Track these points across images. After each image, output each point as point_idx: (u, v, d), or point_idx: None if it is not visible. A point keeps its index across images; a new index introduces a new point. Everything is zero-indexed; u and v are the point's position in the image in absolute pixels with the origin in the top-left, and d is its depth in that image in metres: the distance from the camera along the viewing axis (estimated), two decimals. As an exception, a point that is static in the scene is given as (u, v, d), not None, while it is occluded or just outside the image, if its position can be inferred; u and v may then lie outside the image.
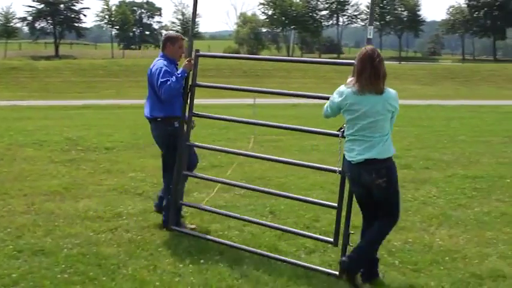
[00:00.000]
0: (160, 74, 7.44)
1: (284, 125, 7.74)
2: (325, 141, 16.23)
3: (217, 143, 15.16)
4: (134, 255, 6.63)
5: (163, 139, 7.78)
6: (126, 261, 6.44)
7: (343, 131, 6.24)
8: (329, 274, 6.23)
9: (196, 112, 7.70)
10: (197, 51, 7.66)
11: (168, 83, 7.35)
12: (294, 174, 11.46)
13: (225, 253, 6.76)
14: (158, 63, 7.64)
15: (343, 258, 5.97)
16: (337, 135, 6.46)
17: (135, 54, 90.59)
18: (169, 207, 7.65)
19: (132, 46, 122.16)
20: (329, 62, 8.04)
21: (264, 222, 7.68)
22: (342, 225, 6.35)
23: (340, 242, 6.36)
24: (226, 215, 7.82)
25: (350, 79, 6.04)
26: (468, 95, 41.76)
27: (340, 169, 6.33)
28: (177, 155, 7.59)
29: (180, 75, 7.43)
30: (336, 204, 6.50)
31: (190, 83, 7.59)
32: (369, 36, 6.27)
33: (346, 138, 6.11)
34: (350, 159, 5.99)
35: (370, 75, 5.77)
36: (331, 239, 6.53)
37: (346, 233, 6.30)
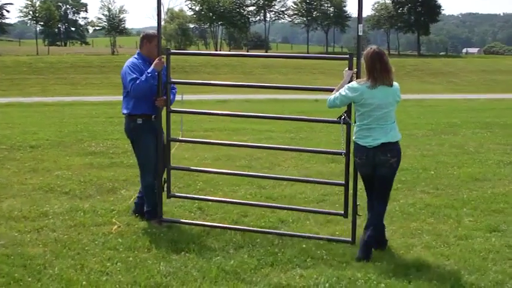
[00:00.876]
0: (128, 72, 7.60)
1: (288, 116, 7.87)
2: (254, 137, 16.33)
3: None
4: (61, 255, 6.52)
5: (127, 134, 7.94)
6: (52, 261, 6.32)
7: (344, 118, 7.10)
8: (261, 268, 6.27)
9: (174, 109, 7.83)
10: (168, 49, 7.68)
11: (137, 81, 7.47)
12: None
13: (153, 250, 6.73)
14: (129, 61, 7.80)
15: (366, 239, 6.73)
16: (339, 123, 7.21)
17: (61, 50, 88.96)
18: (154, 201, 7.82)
19: (57, 42, 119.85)
20: (318, 57, 8.22)
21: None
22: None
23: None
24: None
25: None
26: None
27: (345, 151, 7.18)
28: (158, 149, 7.77)
29: (149, 74, 7.45)
30: (344, 182, 7.47)
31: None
32: (359, 34, 7.12)
33: (359, 128, 6.87)
34: (365, 145, 6.80)
35: (382, 70, 6.66)
36: (342, 212, 7.49)
37: (354, 205, 7.21)
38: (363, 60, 6.82)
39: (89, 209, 8.42)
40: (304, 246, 6.90)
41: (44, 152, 13.40)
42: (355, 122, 7.01)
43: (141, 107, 7.68)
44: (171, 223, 7.74)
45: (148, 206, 7.86)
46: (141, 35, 8.07)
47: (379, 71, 6.65)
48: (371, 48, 6.77)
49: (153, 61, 7.58)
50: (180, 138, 7.98)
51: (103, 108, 26.44)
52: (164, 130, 7.83)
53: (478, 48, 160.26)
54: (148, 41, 7.84)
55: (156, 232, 7.38)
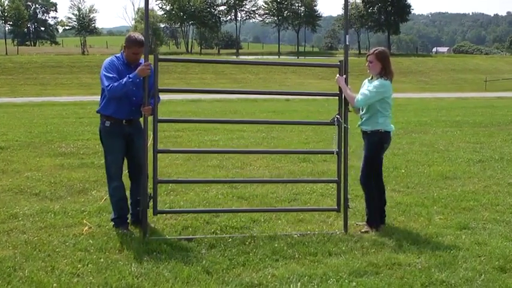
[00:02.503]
0: (104, 72, 7.37)
1: (271, 120, 7.81)
2: (225, 136, 16.33)
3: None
4: (31, 257, 6.45)
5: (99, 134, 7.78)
6: (22, 264, 6.25)
7: (337, 119, 7.64)
8: (233, 268, 6.26)
9: (161, 118, 7.76)
10: (156, 55, 7.29)
11: (116, 84, 7.21)
12: (193, 170, 11.50)
13: (124, 251, 6.69)
14: (107, 59, 7.53)
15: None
16: (332, 124, 7.71)
17: (30, 50, 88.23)
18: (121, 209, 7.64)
19: (27, 42, 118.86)
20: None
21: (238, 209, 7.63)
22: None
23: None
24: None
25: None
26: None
27: (337, 150, 7.75)
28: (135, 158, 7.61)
29: (131, 79, 7.19)
30: (337, 179, 7.89)
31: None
32: (347, 43, 7.84)
33: (386, 117, 7.84)
34: (392, 130, 7.95)
35: (392, 67, 7.82)
36: (336, 207, 7.92)
37: (346, 199, 7.74)
38: (376, 60, 7.73)
39: (59, 210, 8.35)
40: (276, 245, 6.90)
41: (14, 153, 13.27)
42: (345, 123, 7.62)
43: (110, 108, 7.45)
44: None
45: (114, 213, 7.66)
46: (126, 36, 7.75)
47: (392, 70, 7.83)
48: (383, 49, 8.03)
49: (133, 65, 7.38)
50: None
51: (73, 108, 26.29)
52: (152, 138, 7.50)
53: (447, 48, 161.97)
54: (127, 46, 7.47)
55: (127, 233, 7.33)
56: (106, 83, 7.29)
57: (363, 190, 7.96)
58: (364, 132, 7.84)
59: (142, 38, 7.39)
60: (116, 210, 7.64)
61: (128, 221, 7.72)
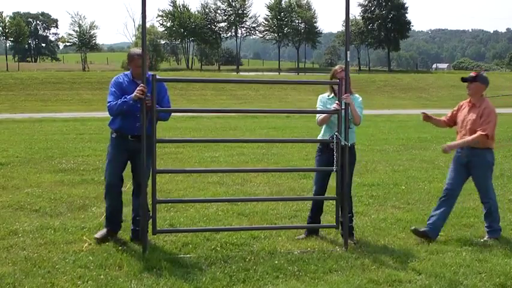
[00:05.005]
0: (110, 89, 7.67)
1: (271, 138, 7.81)
2: (226, 153, 16.32)
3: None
4: (31, 274, 6.43)
5: None
6: (22, 280, 6.24)
7: (336, 136, 7.67)
8: (233, 284, 6.25)
9: (160, 138, 7.74)
10: (154, 75, 7.25)
11: (111, 104, 7.51)
12: (193, 187, 11.49)
13: (124, 268, 6.67)
14: (116, 77, 7.82)
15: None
16: (331, 142, 7.79)
17: (31, 66, 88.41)
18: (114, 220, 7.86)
19: (27, 58, 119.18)
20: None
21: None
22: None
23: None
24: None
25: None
26: (363, 104, 42.35)
27: (336, 167, 7.69)
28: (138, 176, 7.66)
29: (125, 100, 7.38)
30: (335, 196, 7.90)
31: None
32: (347, 60, 7.72)
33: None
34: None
35: None
36: (334, 224, 8.03)
37: (345, 216, 7.74)
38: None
39: (59, 226, 8.35)
40: (276, 262, 6.89)
41: (14, 169, 13.27)
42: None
43: (116, 123, 7.67)
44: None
45: (107, 225, 7.87)
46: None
47: None
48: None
49: (140, 81, 7.39)
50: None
51: (74, 124, 26.29)
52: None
53: (447, 64, 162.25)
54: (129, 62, 7.72)
55: (127, 249, 7.33)
56: (108, 100, 7.58)
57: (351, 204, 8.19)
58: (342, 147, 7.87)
59: (139, 51, 7.67)
60: (107, 213, 7.91)
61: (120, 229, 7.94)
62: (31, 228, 8.23)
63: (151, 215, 7.34)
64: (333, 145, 7.84)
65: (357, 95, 8.10)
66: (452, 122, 8.58)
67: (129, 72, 7.80)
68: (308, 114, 32.79)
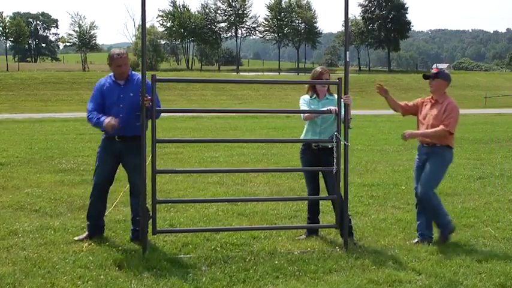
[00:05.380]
0: (92, 95, 7.84)
1: (271, 138, 7.76)
2: (226, 153, 16.32)
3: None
4: (31, 274, 6.43)
5: None
6: (22, 280, 6.23)
7: (336, 136, 7.61)
8: (233, 285, 6.25)
9: (160, 138, 7.65)
10: (154, 76, 7.17)
11: (89, 116, 7.69)
12: (193, 187, 11.48)
13: (124, 268, 6.66)
14: (99, 80, 7.91)
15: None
16: (331, 142, 7.70)
17: (31, 66, 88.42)
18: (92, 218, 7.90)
19: (28, 59, 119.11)
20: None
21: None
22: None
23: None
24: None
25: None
26: (364, 105, 42.70)
27: (336, 167, 7.64)
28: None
29: (97, 121, 7.53)
30: (336, 196, 7.78)
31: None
32: (347, 60, 7.67)
33: None
34: None
35: None
36: (334, 224, 7.95)
37: (346, 216, 7.70)
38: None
39: (59, 226, 8.35)
40: (276, 262, 6.89)
41: (14, 169, 13.27)
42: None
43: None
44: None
45: (87, 228, 7.94)
46: None
47: None
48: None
49: (123, 81, 7.60)
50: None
51: (74, 124, 26.29)
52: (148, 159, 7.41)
53: (447, 64, 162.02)
54: (109, 64, 7.73)
55: (127, 249, 7.33)
56: (88, 105, 7.81)
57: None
58: (324, 149, 8.03)
59: (120, 51, 7.77)
60: (87, 212, 8.00)
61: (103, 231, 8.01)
62: (31, 229, 8.22)
63: (151, 215, 7.33)
64: (315, 146, 8.02)
65: (337, 96, 7.99)
66: (409, 111, 8.39)
67: (112, 73, 7.82)
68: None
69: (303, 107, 8.15)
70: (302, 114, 8.15)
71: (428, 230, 8.03)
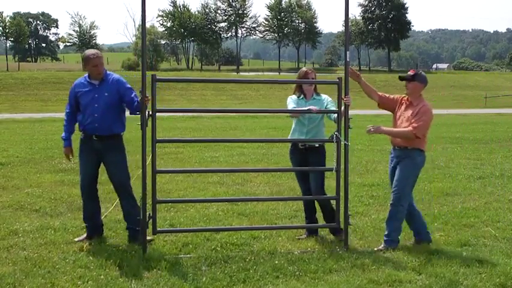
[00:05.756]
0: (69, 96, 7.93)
1: (271, 138, 7.77)
2: (226, 153, 16.32)
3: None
4: (31, 274, 6.43)
5: None
6: (22, 280, 6.24)
7: (336, 136, 7.58)
8: (234, 285, 6.25)
9: (160, 138, 7.61)
10: (154, 76, 7.14)
11: (65, 118, 8.03)
12: (193, 187, 11.48)
13: (124, 268, 6.66)
14: (76, 81, 7.98)
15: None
16: (331, 142, 7.67)
17: (31, 66, 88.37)
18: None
19: (28, 58, 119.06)
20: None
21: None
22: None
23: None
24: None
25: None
26: (364, 104, 42.44)
27: (336, 167, 7.63)
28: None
29: (63, 138, 8.06)
30: (335, 196, 7.79)
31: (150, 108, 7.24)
32: (347, 60, 7.67)
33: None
34: None
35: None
36: (334, 224, 7.87)
37: (346, 216, 7.66)
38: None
39: (59, 226, 8.35)
40: (276, 262, 6.89)
41: (14, 169, 13.27)
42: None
43: (80, 123, 7.83)
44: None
45: (84, 220, 8.01)
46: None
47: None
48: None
49: (98, 81, 7.65)
50: None
51: (74, 124, 26.25)
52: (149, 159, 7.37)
53: (447, 64, 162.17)
54: (84, 65, 7.75)
55: (127, 250, 7.32)
56: (66, 107, 8.00)
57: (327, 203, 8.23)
58: (311, 148, 8.07)
59: (94, 51, 7.80)
60: (83, 214, 8.01)
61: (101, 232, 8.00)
62: (31, 228, 8.23)
63: (151, 215, 7.31)
64: (302, 145, 8.08)
65: (325, 96, 8.18)
66: (386, 104, 8.21)
67: (87, 74, 7.83)
68: (308, 114, 32.83)
69: (290, 105, 8.16)
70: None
71: (424, 230, 7.99)
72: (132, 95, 7.61)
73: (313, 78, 8.14)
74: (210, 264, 6.88)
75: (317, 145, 8.00)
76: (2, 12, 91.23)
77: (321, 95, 8.17)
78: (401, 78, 8.03)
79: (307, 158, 8.10)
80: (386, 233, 7.76)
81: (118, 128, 7.73)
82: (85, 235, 7.86)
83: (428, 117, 7.74)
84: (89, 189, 7.88)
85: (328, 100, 8.11)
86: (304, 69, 8.35)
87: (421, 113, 7.70)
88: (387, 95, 8.20)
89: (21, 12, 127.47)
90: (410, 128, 7.61)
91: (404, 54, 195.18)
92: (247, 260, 7.00)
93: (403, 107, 7.95)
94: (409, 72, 8.03)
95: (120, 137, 7.79)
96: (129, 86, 7.76)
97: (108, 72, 7.82)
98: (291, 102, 8.20)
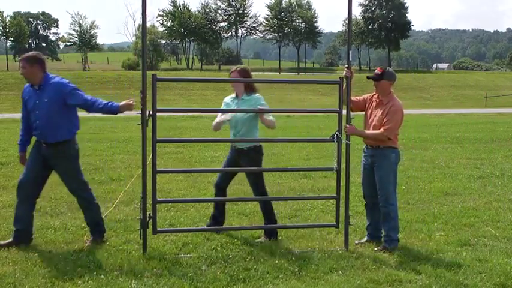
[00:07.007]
0: None
1: (271, 138, 7.81)
2: (226, 153, 16.28)
3: (117, 156, 15.11)
4: (31, 273, 6.43)
5: None
6: (22, 280, 6.24)
7: (336, 136, 7.51)
8: (234, 284, 6.25)
9: (160, 138, 7.61)
10: (154, 76, 7.08)
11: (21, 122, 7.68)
12: (194, 187, 11.47)
13: (124, 268, 6.66)
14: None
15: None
16: (332, 141, 7.58)
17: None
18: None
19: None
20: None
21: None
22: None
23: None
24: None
25: None
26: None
27: (336, 166, 7.64)
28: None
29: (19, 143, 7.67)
30: (336, 195, 7.81)
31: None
32: (349, 59, 7.70)
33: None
34: None
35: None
36: (334, 224, 7.84)
37: (346, 216, 7.66)
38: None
39: (59, 226, 8.35)
40: (276, 262, 6.89)
41: (14, 168, 13.25)
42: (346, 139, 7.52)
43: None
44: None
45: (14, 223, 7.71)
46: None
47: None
48: (247, 66, 8.20)
49: (36, 85, 7.37)
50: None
51: (74, 124, 26.24)
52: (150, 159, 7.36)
53: (447, 64, 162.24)
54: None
55: (127, 249, 7.32)
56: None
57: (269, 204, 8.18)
58: (240, 150, 8.03)
59: (26, 54, 7.53)
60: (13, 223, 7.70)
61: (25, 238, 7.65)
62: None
63: (151, 214, 7.30)
64: (233, 146, 8.15)
65: (256, 95, 8.09)
66: (358, 107, 8.02)
67: None
68: (308, 114, 32.94)
69: (222, 106, 8.30)
70: (212, 125, 8.21)
71: (377, 230, 7.98)
72: (80, 97, 7.37)
73: (244, 77, 8.04)
74: (210, 263, 6.89)
75: (245, 148, 7.92)
76: (2, 11, 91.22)
77: (253, 94, 8.06)
78: (369, 78, 7.88)
79: (238, 159, 8.06)
80: (384, 233, 7.77)
81: (64, 135, 7.44)
82: (10, 240, 7.57)
83: (399, 116, 7.75)
84: (26, 192, 7.61)
85: (260, 101, 7.99)
86: (233, 68, 8.30)
87: (391, 112, 7.68)
88: (357, 98, 8.04)
89: (22, 12, 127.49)
90: (381, 130, 7.63)
91: (405, 54, 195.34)
92: (248, 259, 7.01)
93: (373, 105, 7.89)
94: (376, 71, 7.85)
95: (68, 144, 7.52)
96: (71, 87, 7.44)
97: (50, 75, 7.47)
98: (223, 102, 8.30)
